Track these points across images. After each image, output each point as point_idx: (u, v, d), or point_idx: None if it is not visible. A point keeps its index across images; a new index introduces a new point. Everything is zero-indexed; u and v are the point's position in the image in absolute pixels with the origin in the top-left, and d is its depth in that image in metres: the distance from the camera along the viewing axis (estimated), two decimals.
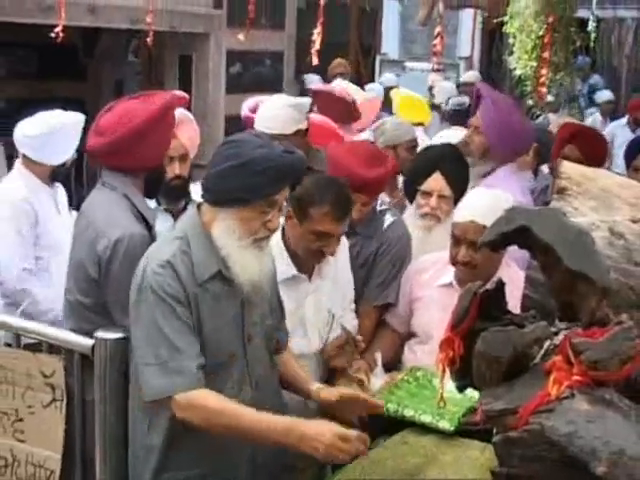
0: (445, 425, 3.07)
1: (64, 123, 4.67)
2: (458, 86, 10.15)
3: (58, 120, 4.67)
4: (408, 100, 7.78)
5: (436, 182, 4.05)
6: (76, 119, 4.71)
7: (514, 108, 4.65)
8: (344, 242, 3.71)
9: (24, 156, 4.71)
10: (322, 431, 2.55)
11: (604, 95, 11.51)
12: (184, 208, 4.41)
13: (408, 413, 3.13)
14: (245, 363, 2.89)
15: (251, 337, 2.90)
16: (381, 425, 3.17)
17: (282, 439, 2.59)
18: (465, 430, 3.10)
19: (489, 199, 3.51)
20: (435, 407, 3.00)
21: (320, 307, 3.53)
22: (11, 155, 7.17)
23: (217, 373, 2.78)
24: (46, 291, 4.55)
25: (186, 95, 4.70)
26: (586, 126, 5.14)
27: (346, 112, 5.96)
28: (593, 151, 4.70)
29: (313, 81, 10.25)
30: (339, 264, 3.65)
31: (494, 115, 4.53)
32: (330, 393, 2.99)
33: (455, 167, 4.13)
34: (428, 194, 4.07)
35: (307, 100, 4.62)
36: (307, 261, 3.48)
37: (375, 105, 6.96)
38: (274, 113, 4.27)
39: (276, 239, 3.42)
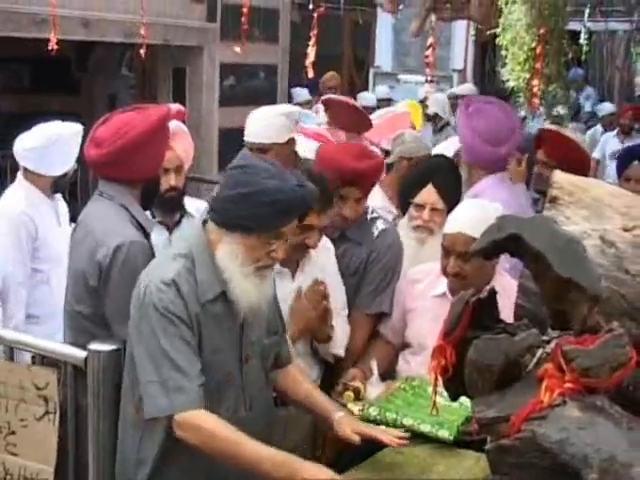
0: (445, 434, 3.07)
1: (61, 134, 4.68)
2: (454, 97, 10.20)
3: (55, 131, 4.68)
4: (412, 107, 7.85)
5: (429, 195, 4.05)
6: (74, 130, 4.72)
7: (489, 121, 4.57)
8: (331, 248, 3.74)
9: (25, 169, 4.72)
10: (318, 475, 2.55)
11: (605, 108, 11.54)
12: (179, 221, 4.44)
13: (407, 422, 3.13)
14: (241, 384, 2.89)
15: (248, 357, 2.90)
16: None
17: (276, 473, 2.57)
18: (462, 440, 3.11)
19: (478, 210, 3.50)
20: (431, 415, 3.01)
21: None
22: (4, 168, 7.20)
23: (213, 394, 2.77)
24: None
25: (183, 108, 4.71)
26: (553, 130, 5.08)
27: (358, 121, 5.97)
28: (561, 154, 4.63)
29: (301, 95, 10.28)
30: (327, 269, 3.67)
31: (464, 128, 4.57)
32: (351, 431, 2.92)
33: (448, 179, 4.12)
34: (421, 207, 4.06)
35: (297, 108, 4.64)
36: (290, 256, 3.50)
37: (404, 119, 6.93)
38: (267, 123, 4.28)
39: None
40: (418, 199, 4.07)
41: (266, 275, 2.83)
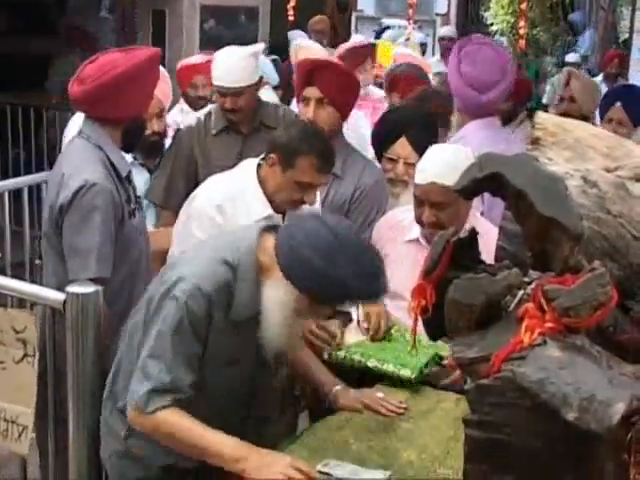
0: (406, 373, 3.10)
1: None
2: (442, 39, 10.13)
3: None
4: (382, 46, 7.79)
5: (402, 148, 3.94)
6: None
7: (475, 65, 4.48)
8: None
9: None
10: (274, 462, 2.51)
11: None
12: (159, 163, 4.49)
13: (372, 364, 3.17)
14: (254, 390, 2.84)
15: (264, 362, 2.81)
16: (353, 378, 3.19)
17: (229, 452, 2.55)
18: (431, 383, 3.16)
19: (449, 156, 3.37)
20: (399, 357, 3.05)
21: None
22: None
23: (227, 401, 2.74)
24: None
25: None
26: None
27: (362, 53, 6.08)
28: None
29: (298, 37, 10.16)
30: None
31: (452, 72, 4.53)
32: (348, 402, 2.95)
33: (422, 132, 3.99)
34: (394, 161, 3.97)
35: (262, 46, 4.67)
36: (284, 207, 3.48)
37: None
38: (239, 65, 4.27)
39: (251, 179, 3.44)
40: (391, 153, 3.98)
41: (300, 332, 2.80)
